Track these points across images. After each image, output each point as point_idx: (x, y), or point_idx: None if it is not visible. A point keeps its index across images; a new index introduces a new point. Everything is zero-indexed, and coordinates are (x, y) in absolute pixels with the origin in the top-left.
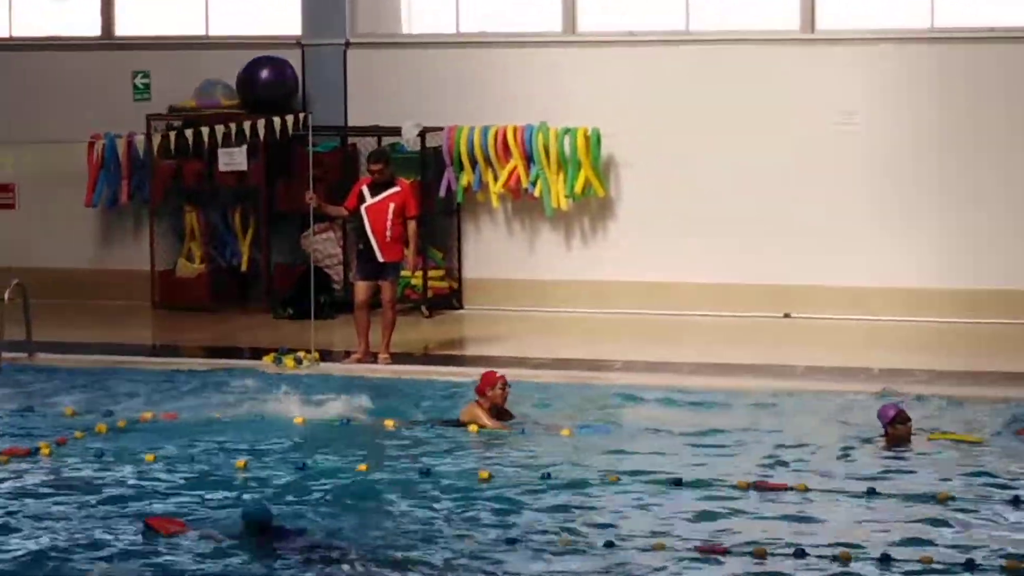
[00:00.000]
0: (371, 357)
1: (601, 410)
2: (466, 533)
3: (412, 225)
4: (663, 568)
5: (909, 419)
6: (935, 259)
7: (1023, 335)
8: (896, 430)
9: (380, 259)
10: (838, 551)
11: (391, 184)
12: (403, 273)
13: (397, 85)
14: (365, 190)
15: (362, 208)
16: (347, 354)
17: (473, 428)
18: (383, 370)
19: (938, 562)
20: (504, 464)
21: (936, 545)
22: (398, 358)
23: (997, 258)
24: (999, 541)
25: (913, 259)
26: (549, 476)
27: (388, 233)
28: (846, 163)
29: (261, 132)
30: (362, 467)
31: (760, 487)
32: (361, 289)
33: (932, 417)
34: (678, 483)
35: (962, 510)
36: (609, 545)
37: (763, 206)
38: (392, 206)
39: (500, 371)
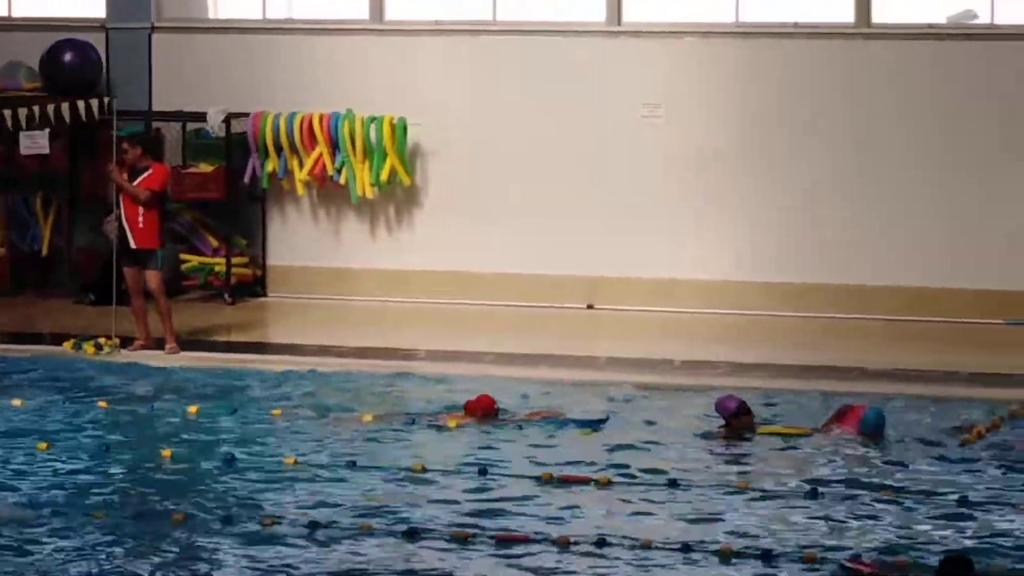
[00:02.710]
0: (154, 343)
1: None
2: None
3: (146, 193)
4: (466, 557)
5: (751, 411)
6: (739, 252)
7: (826, 328)
8: (739, 422)
9: (133, 246)
10: (640, 541)
11: (146, 167)
12: (206, 260)
13: (203, 70)
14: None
15: (120, 195)
16: (132, 341)
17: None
18: (180, 358)
19: (736, 552)
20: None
21: (736, 535)
22: (201, 345)
23: (800, 251)
24: (796, 531)
25: (717, 251)
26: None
27: (140, 220)
28: (650, 155)
29: (66, 116)
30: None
31: (565, 480)
32: (128, 276)
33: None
34: (483, 472)
35: (761, 499)
36: (411, 534)
37: (568, 197)
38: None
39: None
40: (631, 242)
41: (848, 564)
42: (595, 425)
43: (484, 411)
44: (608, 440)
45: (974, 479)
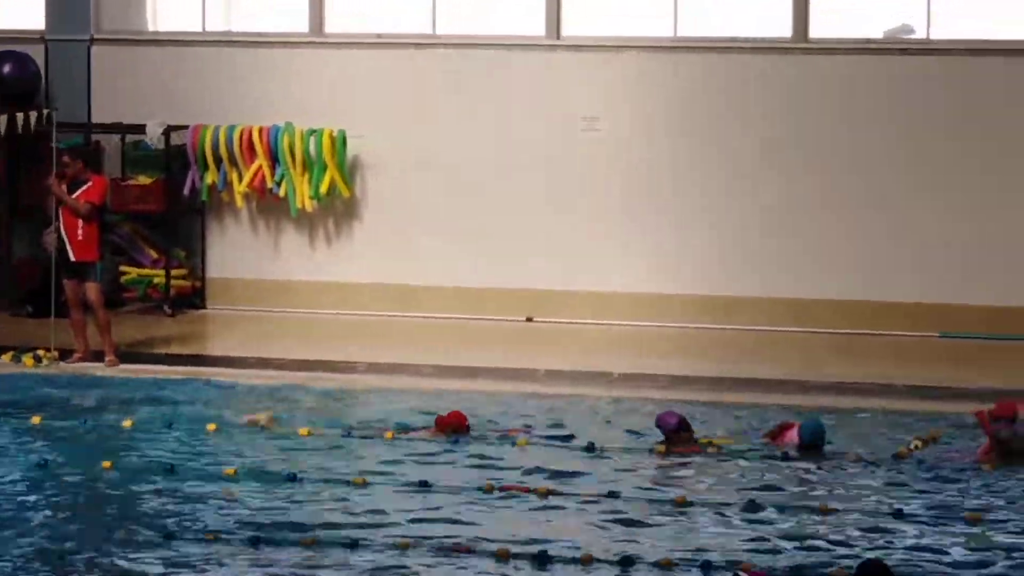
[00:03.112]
0: (93, 356)
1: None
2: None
3: (87, 206)
4: (406, 569)
5: (691, 427)
6: (677, 265)
7: (763, 341)
8: (679, 437)
9: (72, 258)
10: (580, 554)
11: (85, 180)
12: (145, 272)
13: (142, 82)
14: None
15: (59, 207)
16: (71, 354)
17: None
18: (119, 371)
19: (677, 562)
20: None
21: (678, 548)
22: (140, 358)
23: (737, 264)
24: (733, 542)
25: (655, 264)
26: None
27: (80, 232)
28: (590, 168)
29: (3, 127)
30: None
31: (505, 489)
32: (67, 288)
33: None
34: (424, 484)
35: (701, 513)
36: (352, 545)
37: (507, 210)
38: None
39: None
40: (571, 255)
41: (741, 572)
42: (563, 442)
43: (455, 427)
44: (552, 452)
45: (909, 492)
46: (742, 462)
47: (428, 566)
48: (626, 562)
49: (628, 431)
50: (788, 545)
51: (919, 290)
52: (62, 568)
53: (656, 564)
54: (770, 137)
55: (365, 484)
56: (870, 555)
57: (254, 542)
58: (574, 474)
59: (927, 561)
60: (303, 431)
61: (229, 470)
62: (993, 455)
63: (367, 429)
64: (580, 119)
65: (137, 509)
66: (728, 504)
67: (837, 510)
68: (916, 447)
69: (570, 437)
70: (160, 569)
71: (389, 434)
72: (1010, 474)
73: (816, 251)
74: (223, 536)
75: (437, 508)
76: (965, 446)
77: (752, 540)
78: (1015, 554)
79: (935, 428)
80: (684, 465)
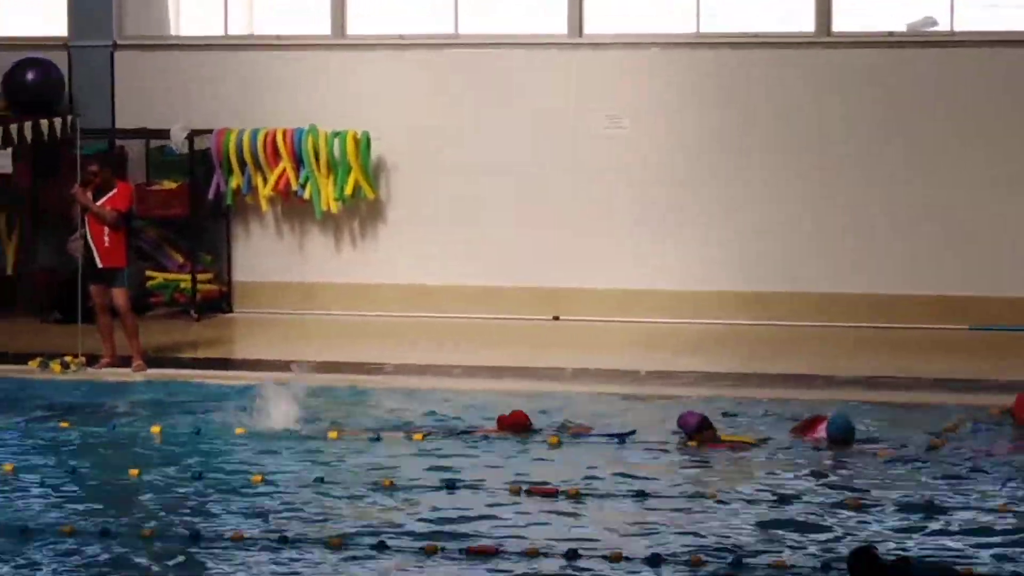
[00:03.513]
0: (120, 361)
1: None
2: None
3: (113, 214)
4: (435, 569)
5: (712, 426)
6: (703, 262)
7: (789, 337)
8: (702, 437)
9: (99, 264)
10: (609, 552)
11: (110, 187)
12: (171, 277)
13: (165, 87)
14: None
15: (85, 214)
16: (98, 359)
17: None
18: (147, 375)
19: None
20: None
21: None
22: (167, 362)
23: (763, 260)
24: (765, 539)
25: (681, 262)
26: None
27: (106, 239)
28: (614, 166)
29: (28, 135)
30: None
31: (533, 492)
32: (95, 293)
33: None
34: (452, 486)
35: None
36: (381, 547)
37: (532, 209)
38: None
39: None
40: (596, 253)
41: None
42: (622, 439)
43: (516, 426)
44: (578, 452)
45: (943, 483)
46: (773, 455)
47: (454, 567)
48: (654, 560)
49: (658, 427)
50: (823, 539)
51: (946, 283)
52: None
53: (686, 563)
54: (795, 132)
55: (392, 486)
56: (905, 548)
57: (282, 542)
58: (600, 473)
59: (966, 552)
60: (331, 433)
61: (256, 477)
62: None
63: (396, 430)
64: (604, 117)
65: (166, 513)
66: (757, 500)
67: (869, 503)
68: (945, 437)
69: (630, 434)
70: (186, 572)
71: (419, 436)
72: None
73: (842, 245)
74: (249, 538)
75: (464, 508)
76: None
77: (781, 535)
78: None
79: (958, 416)
80: (709, 460)
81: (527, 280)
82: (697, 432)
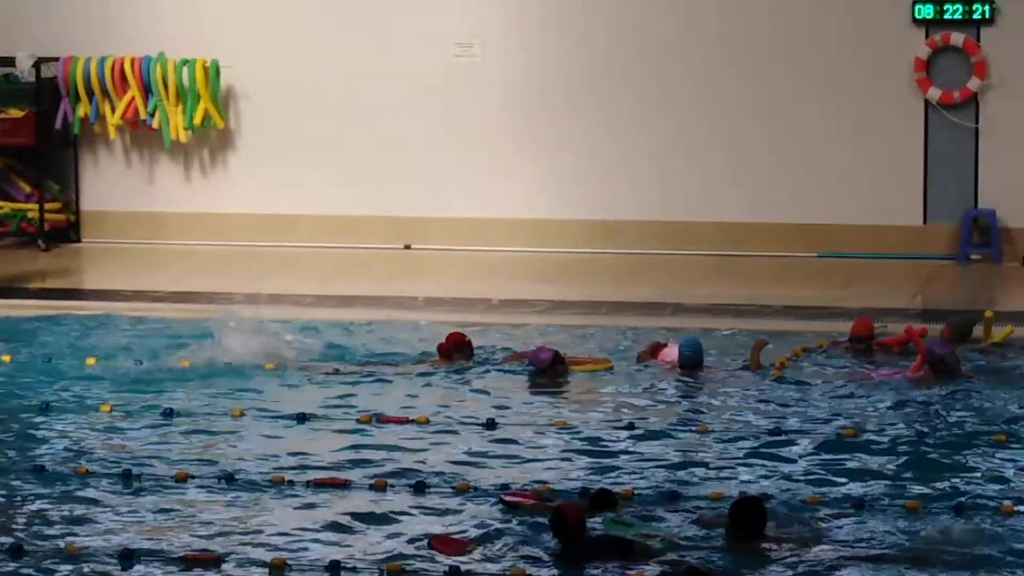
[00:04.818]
0: None
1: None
2: None
3: None
4: (283, 498)
5: (565, 360)
6: (554, 190)
7: (639, 265)
8: (555, 371)
9: None
10: (457, 482)
11: None
12: (18, 206)
13: (10, 14)
14: None
15: None
16: None
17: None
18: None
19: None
20: None
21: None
22: (14, 293)
23: (613, 189)
24: (615, 464)
25: (532, 190)
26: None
27: None
28: (464, 94)
29: None
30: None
31: (383, 420)
32: None
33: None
34: (302, 419)
35: (586, 438)
36: (229, 479)
37: (383, 138)
38: None
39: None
40: (448, 182)
41: (506, 498)
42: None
43: (454, 346)
44: (436, 381)
45: (787, 411)
46: (619, 382)
47: (303, 497)
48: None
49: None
50: (665, 467)
51: (796, 211)
52: None
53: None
54: (650, 58)
55: (242, 415)
56: (747, 478)
57: (126, 476)
58: (452, 402)
59: (816, 479)
60: (184, 362)
61: (105, 406)
62: (926, 372)
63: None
64: (453, 44)
65: (15, 445)
66: (613, 425)
67: (718, 430)
68: (784, 364)
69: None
70: (34, 505)
71: (270, 366)
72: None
73: (690, 174)
74: (93, 473)
75: (308, 441)
76: (890, 363)
77: (630, 463)
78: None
79: (799, 347)
80: (560, 389)
81: (379, 209)
82: (550, 367)
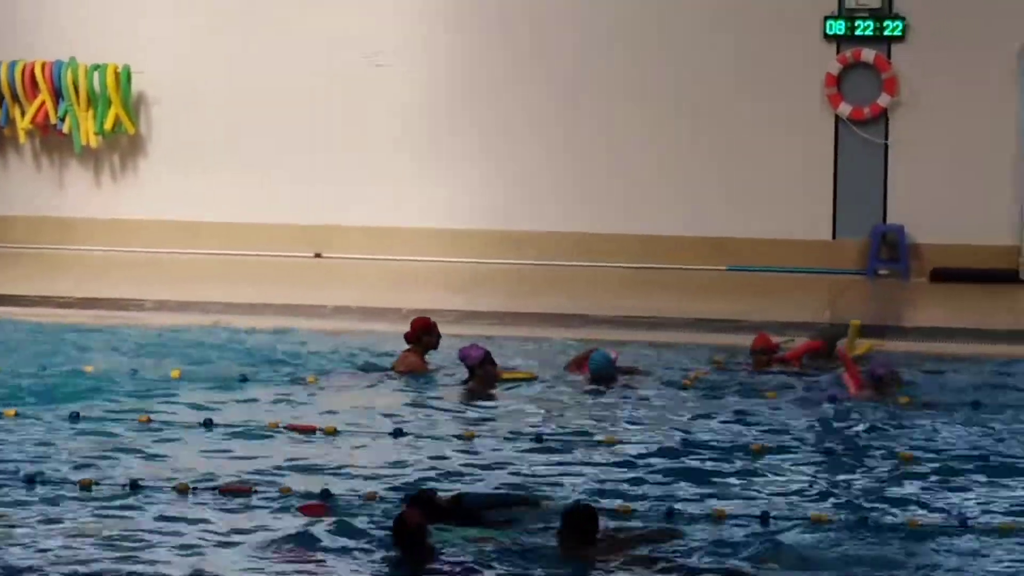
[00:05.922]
0: None
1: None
2: None
3: None
4: (185, 506)
5: (495, 361)
6: (465, 200)
7: (548, 277)
8: (485, 371)
9: None
10: (365, 491)
11: None
12: None
13: None
14: None
15: None
16: None
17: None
18: None
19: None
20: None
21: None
22: None
23: (530, 200)
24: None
25: (443, 200)
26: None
27: None
28: (374, 103)
29: None
30: None
31: (291, 428)
32: None
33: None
34: (208, 424)
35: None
36: (134, 487)
37: (294, 146)
38: None
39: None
40: (358, 191)
41: (300, 509)
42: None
43: (420, 330)
44: (355, 390)
45: (699, 425)
46: (535, 393)
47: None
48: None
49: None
50: (571, 479)
51: (705, 225)
52: None
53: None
54: (556, 72)
55: (149, 422)
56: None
57: (29, 480)
58: (362, 411)
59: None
60: (88, 368)
61: (9, 411)
62: (866, 389)
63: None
64: (363, 53)
65: None
66: (515, 436)
67: (625, 442)
68: (698, 377)
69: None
70: None
71: (175, 373)
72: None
73: (603, 185)
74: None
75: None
76: (833, 381)
77: (536, 472)
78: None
79: (718, 358)
80: (477, 399)
81: (289, 217)
82: (480, 366)
